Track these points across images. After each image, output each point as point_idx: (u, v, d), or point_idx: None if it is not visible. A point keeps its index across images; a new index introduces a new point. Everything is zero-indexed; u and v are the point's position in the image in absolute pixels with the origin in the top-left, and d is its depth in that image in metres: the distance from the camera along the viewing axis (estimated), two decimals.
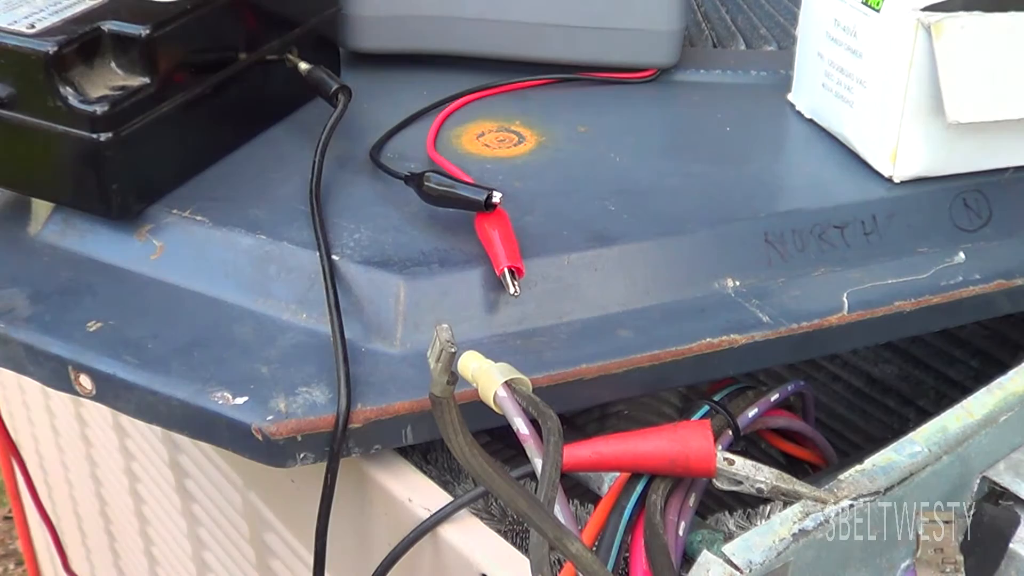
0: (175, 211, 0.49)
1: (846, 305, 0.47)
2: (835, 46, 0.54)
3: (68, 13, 0.48)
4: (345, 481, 0.45)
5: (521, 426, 0.35)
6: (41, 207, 0.52)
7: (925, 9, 0.48)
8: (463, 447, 0.33)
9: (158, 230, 0.49)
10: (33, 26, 0.47)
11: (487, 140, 0.56)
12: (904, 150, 0.51)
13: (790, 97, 0.59)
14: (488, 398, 0.36)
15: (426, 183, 0.48)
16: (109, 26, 0.48)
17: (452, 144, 0.55)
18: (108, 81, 0.48)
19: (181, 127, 0.51)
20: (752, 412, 0.47)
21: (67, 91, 0.46)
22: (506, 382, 0.36)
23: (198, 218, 0.49)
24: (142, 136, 0.48)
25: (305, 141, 0.55)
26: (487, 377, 0.36)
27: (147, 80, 0.48)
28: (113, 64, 0.48)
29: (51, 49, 0.46)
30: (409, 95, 0.59)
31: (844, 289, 0.48)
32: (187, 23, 0.49)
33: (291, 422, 0.41)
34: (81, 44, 0.47)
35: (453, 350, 0.32)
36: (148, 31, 0.48)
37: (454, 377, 0.32)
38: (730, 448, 0.45)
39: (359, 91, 0.56)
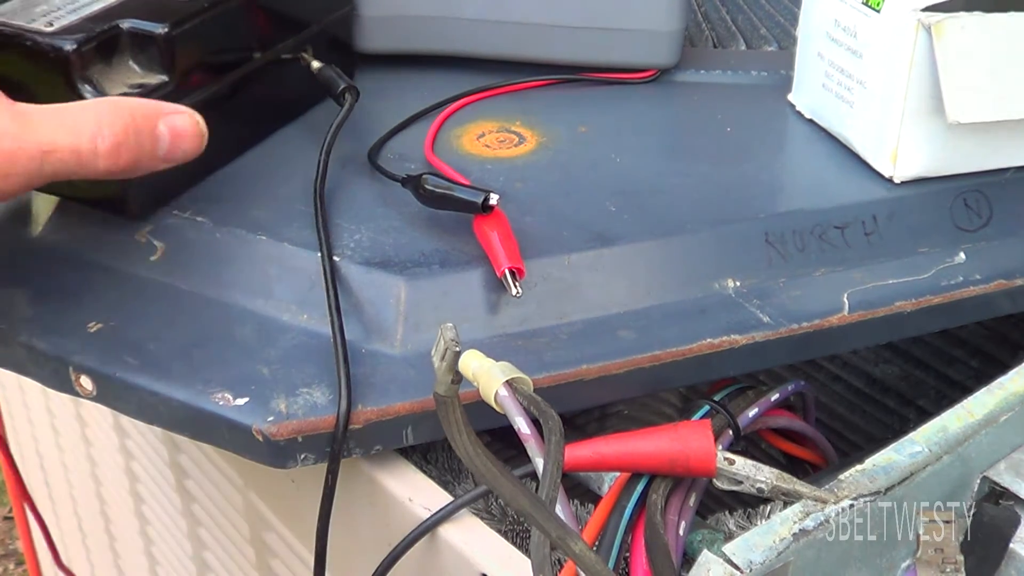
0: (175, 212, 0.49)
1: (847, 305, 0.47)
2: (835, 46, 0.54)
3: (86, 11, 0.48)
4: (345, 481, 0.45)
5: (522, 425, 0.35)
6: (41, 207, 0.52)
7: (926, 9, 0.48)
8: (467, 446, 0.33)
9: (158, 231, 0.49)
10: (51, 24, 0.47)
11: (487, 141, 0.56)
12: (904, 150, 0.51)
13: (790, 97, 0.59)
14: (489, 397, 0.36)
15: (423, 185, 0.48)
16: (128, 24, 0.48)
17: (453, 144, 0.55)
18: (127, 79, 0.48)
19: None
20: (752, 412, 0.47)
21: (86, 89, 0.46)
22: (507, 381, 0.36)
23: (199, 219, 0.49)
24: None
25: (306, 141, 0.55)
26: (488, 376, 0.36)
27: (165, 78, 0.48)
28: (131, 62, 0.48)
29: (70, 47, 0.46)
30: (411, 96, 0.59)
31: (845, 289, 0.48)
32: (205, 21, 0.49)
33: (292, 423, 0.41)
34: (100, 42, 0.47)
35: (458, 349, 0.32)
36: (167, 29, 0.48)
37: (459, 376, 0.32)
38: (730, 448, 0.45)
39: (362, 92, 0.56)
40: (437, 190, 0.48)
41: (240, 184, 0.52)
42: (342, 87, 0.54)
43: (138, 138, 0.43)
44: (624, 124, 0.58)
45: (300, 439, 0.41)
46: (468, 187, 0.48)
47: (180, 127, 0.44)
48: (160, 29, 0.48)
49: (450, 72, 0.61)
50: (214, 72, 0.51)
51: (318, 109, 0.58)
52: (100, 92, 0.47)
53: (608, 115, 0.59)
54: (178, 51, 0.48)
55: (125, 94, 0.47)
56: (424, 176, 0.48)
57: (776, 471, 0.38)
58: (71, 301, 0.47)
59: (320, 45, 0.57)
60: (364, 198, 0.51)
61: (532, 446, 0.35)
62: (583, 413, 0.64)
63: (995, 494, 0.40)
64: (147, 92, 0.48)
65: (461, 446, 0.33)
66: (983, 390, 0.42)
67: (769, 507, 0.43)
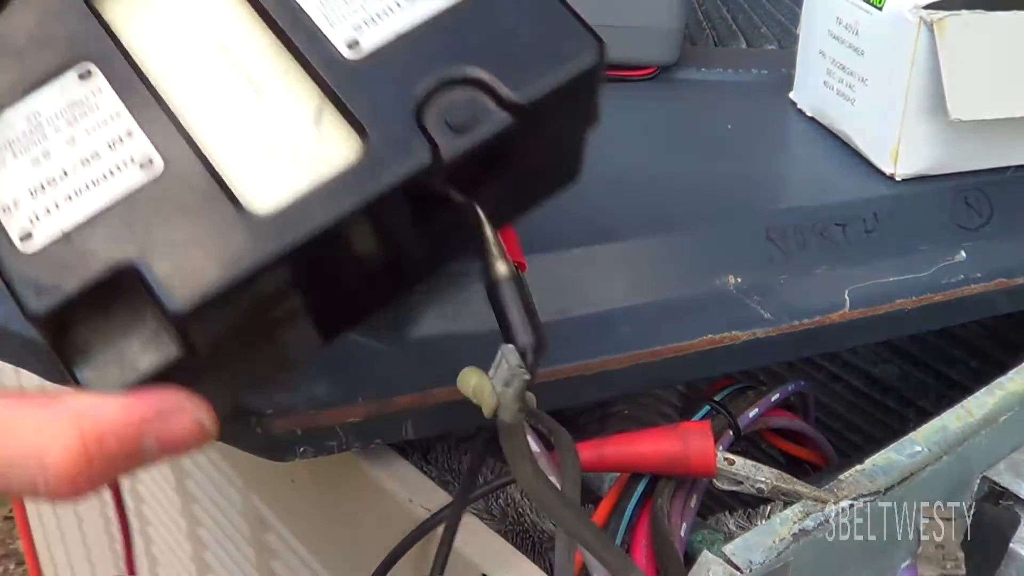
0: None
1: (847, 302, 0.47)
2: (837, 44, 0.54)
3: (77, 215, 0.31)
4: (345, 481, 0.45)
5: (532, 443, 0.35)
6: None
7: (928, 7, 0.48)
8: (529, 476, 0.31)
9: None
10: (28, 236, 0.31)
11: None
12: (906, 148, 0.51)
13: (792, 95, 0.59)
14: (492, 415, 0.35)
15: None
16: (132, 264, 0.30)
17: None
18: (132, 349, 0.31)
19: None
20: (752, 412, 0.47)
21: (74, 366, 0.32)
22: None
23: None
24: None
25: None
26: (491, 394, 0.35)
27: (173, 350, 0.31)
28: (148, 320, 0.31)
29: (38, 308, 0.30)
30: None
31: (845, 286, 0.48)
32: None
33: (291, 416, 0.41)
34: (88, 294, 0.31)
35: (527, 377, 0.29)
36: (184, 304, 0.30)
37: (526, 404, 0.31)
38: (731, 448, 0.45)
39: None
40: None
41: None
42: None
43: (109, 462, 0.29)
44: (625, 121, 0.58)
45: (299, 432, 0.41)
46: None
47: (175, 435, 0.30)
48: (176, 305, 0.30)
49: None
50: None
51: None
52: (91, 365, 0.31)
53: (609, 112, 0.58)
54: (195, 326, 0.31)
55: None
56: None
57: (776, 471, 0.38)
58: None
59: None
60: None
61: (543, 463, 0.35)
62: (583, 413, 0.64)
63: (995, 494, 0.40)
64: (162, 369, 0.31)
65: (523, 474, 0.31)
66: (983, 390, 0.42)
67: (769, 507, 0.43)
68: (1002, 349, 0.67)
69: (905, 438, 0.39)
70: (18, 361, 0.46)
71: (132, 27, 0.35)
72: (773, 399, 0.48)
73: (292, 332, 0.34)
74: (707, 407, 0.46)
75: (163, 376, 0.31)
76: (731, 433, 0.45)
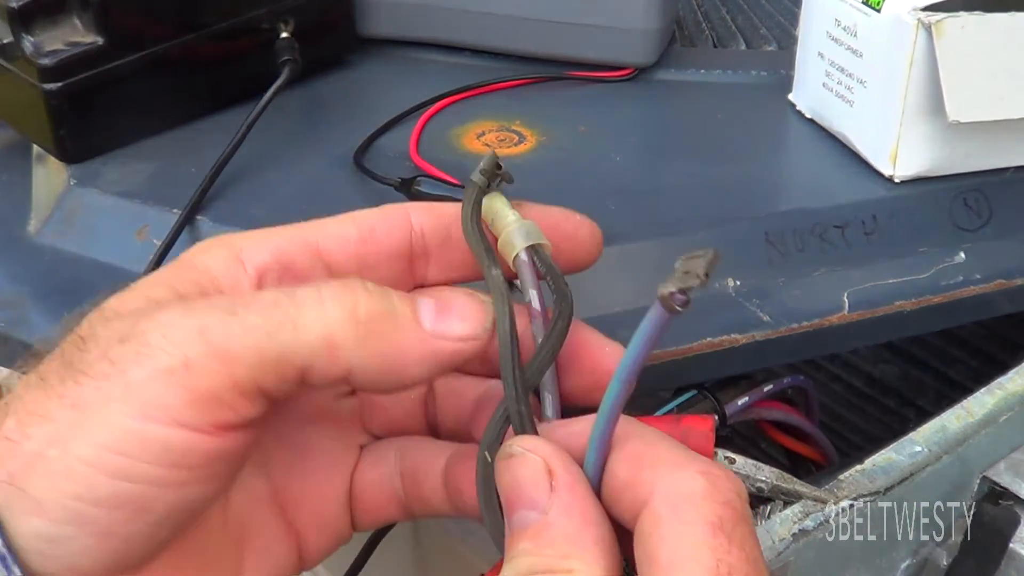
0: (175, 211, 0.49)
1: (846, 305, 0.47)
2: (836, 46, 0.54)
3: None
4: None
5: (535, 300, 0.33)
6: (41, 206, 0.52)
7: (926, 9, 0.48)
8: (468, 222, 0.34)
9: (158, 229, 0.49)
10: None
11: (488, 140, 0.56)
12: (905, 150, 0.51)
13: (791, 97, 0.59)
14: (507, 255, 0.33)
15: (416, 188, 0.48)
16: None
17: (453, 143, 0.55)
18: (68, 36, 0.51)
19: (136, 86, 0.53)
20: (742, 400, 0.47)
21: (27, 44, 0.51)
22: (530, 247, 0.33)
23: (198, 218, 0.49)
24: (91, 90, 0.52)
25: (305, 144, 0.55)
26: (510, 232, 0.33)
27: (99, 40, 0.51)
28: (76, 20, 0.52)
29: (15, 4, 0.50)
30: (406, 95, 0.59)
31: (844, 289, 0.48)
32: None
33: None
34: (45, 1, 0.51)
35: (496, 159, 0.34)
36: None
37: (493, 175, 0.34)
38: (716, 435, 0.45)
39: (361, 87, 0.55)
40: (433, 194, 0.48)
41: (239, 182, 0.52)
42: (283, 59, 0.55)
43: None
44: (624, 124, 0.58)
45: None
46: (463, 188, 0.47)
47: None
48: None
49: (441, 70, 0.62)
50: (157, 36, 0.53)
51: (322, 117, 0.58)
52: (39, 47, 0.50)
53: (608, 115, 0.59)
54: (113, 15, 0.51)
55: (58, 50, 0.51)
56: (418, 179, 0.48)
57: (776, 471, 0.38)
58: (71, 300, 0.47)
59: (307, 21, 0.57)
60: (365, 196, 0.51)
61: (539, 324, 0.33)
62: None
63: (995, 494, 0.40)
64: (78, 50, 0.51)
65: (465, 220, 0.34)
66: (983, 390, 0.42)
67: (769, 507, 0.43)
68: (1002, 349, 0.67)
69: (905, 438, 0.40)
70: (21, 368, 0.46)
71: None
72: (766, 389, 0.48)
73: None
74: (694, 391, 0.46)
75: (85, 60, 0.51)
76: (716, 419, 0.45)
